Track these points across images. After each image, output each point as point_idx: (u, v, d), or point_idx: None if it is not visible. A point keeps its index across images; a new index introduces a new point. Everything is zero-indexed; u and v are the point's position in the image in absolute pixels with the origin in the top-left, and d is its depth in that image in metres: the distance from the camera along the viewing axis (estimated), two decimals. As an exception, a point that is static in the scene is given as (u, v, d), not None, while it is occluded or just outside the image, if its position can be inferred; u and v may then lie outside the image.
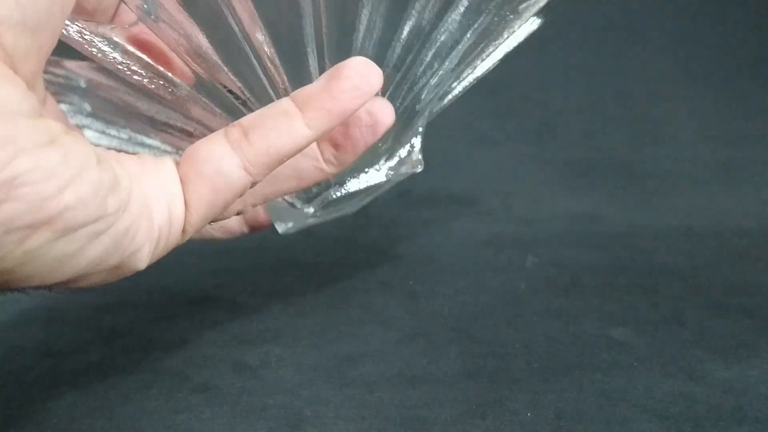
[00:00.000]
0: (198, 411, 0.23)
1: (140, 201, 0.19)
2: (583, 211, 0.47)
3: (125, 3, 0.19)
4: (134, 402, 0.24)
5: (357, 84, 0.21)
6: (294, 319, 0.31)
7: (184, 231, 0.20)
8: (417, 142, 0.27)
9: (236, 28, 0.21)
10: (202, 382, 0.25)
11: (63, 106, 0.24)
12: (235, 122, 0.21)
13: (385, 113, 0.23)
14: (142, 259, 0.19)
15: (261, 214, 0.28)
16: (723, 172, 0.54)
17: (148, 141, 0.26)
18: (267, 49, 0.21)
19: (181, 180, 0.20)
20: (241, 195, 0.21)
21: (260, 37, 0.21)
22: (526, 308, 0.31)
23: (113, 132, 0.26)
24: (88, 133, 0.26)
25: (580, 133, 0.58)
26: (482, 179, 0.53)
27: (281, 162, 0.21)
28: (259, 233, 0.28)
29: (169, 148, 0.26)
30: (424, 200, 0.50)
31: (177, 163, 0.21)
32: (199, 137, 0.24)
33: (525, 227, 0.44)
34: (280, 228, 0.27)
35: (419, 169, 0.27)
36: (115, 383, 0.25)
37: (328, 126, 0.21)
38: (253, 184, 0.21)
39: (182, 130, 0.25)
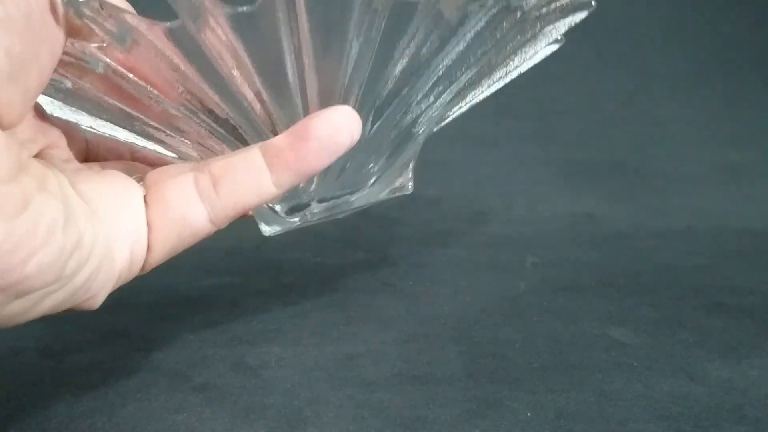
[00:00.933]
0: (198, 411, 0.23)
1: (103, 247, 0.19)
2: (583, 211, 0.47)
3: (94, 28, 0.18)
4: (134, 402, 0.24)
5: (324, 145, 0.20)
6: (294, 319, 0.31)
7: (142, 269, 0.21)
8: (410, 166, 0.27)
9: (216, 56, 0.20)
10: (202, 382, 0.25)
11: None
12: (204, 166, 0.21)
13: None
14: (98, 302, 0.19)
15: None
16: (723, 172, 0.54)
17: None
18: (254, 78, 0.21)
19: (147, 222, 0.20)
20: (201, 239, 0.21)
21: (247, 67, 0.20)
22: (526, 308, 0.31)
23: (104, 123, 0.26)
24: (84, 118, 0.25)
25: (580, 133, 0.58)
26: (482, 179, 0.53)
27: (244, 213, 0.21)
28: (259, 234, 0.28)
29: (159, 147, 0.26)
30: (424, 200, 0.50)
31: (144, 197, 0.21)
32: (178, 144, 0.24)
33: (525, 227, 0.44)
34: (265, 230, 0.26)
35: (408, 191, 0.27)
36: (115, 383, 0.25)
37: (295, 183, 0.21)
38: (215, 232, 0.21)
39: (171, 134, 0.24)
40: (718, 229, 0.43)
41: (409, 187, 0.27)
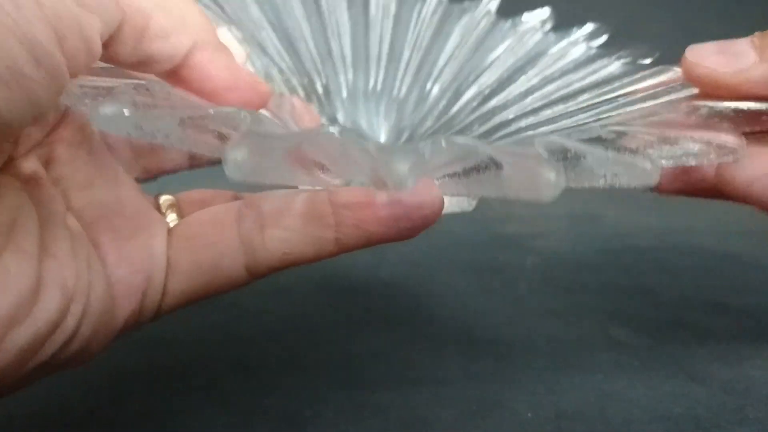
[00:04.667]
0: (198, 411, 0.23)
1: (100, 304, 0.16)
2: (583, 211, 0.47)
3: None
4: (134, 402, 0.23)
5: (407, 214, 0.17)
6: (294, 320, 0.31)
7: (155, 316, 0.18)
8: None
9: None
10: (202, 382, 0.25)
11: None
12: (254, 201, 0.18)
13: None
14: (92, 357, 0.17)
15: None
16: (723, 172, 0.54)
17: None
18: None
19: (168, 261, 0.18)
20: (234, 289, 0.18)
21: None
22: (526, 308, 0.31)
23: None
24: None
25: (580, 133, 0.58)
26: (482, 179, 0.53)
27: (292, 266, 0.18)
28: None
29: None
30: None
31: (171, 229, 0.18)
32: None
33: (525, 227, 0.44)
34: None
35: (469, 209, 0.25)
36: (115, 383, 0.25)
37: (360, 247, 0.18)
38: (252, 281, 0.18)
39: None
40: (718, 229, 0.43)
41: (472, 204, 0.26)
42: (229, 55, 0.18)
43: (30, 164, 0.18)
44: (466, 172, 0.17)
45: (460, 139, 0.16)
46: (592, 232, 0.43)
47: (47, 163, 0.18)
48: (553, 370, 0.25)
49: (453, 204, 0.25)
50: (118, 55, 0.16)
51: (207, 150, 0.16)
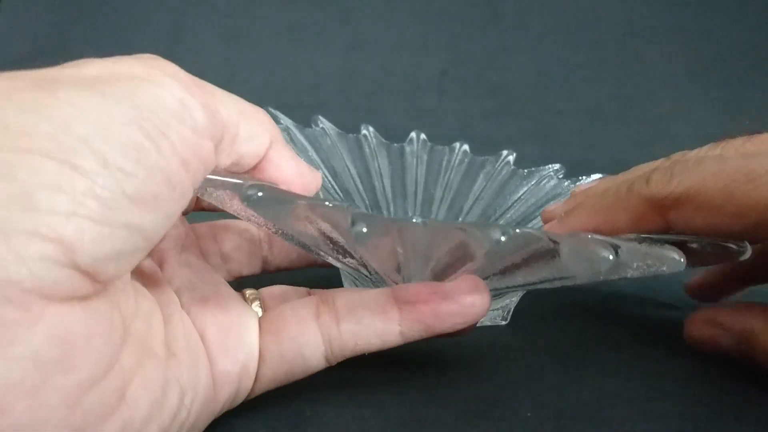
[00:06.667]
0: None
1: (204, 392, 0.19)
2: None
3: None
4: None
5: (462, 312, 0.20)
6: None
7: (245, 398, 0.21)
8: (511, 308, 0.29)
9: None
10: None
11: None
12: (329, 297, 0.21)
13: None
14: None
15: None
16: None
17: None
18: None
19: (260, 352, 0.20)
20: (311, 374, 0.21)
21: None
22: (526, 308, 0.31)
23: None
24: None
25: (580, 133, 0.58)
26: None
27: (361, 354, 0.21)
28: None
29: None
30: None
31: (259, 321, 0.21)
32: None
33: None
34: None
35: (501, 323, 0.29)
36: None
37: (421, 338, 0.21)
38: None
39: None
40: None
41: (504, 320, 0.29)
42: (291, 149, 0.21)
43: (148, 264, 0.22)
44: (526, 261, 0.20)
45: (525, 229, 0.18)
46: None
47: (160, 264, 0.22)
48: (553, 370, 0.25)
49: (488, 318, 0.28)
50: (220, 160, 0.19)
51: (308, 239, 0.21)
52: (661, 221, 0.22)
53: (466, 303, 0.20)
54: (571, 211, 0.25)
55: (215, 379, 0.19)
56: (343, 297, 0.21)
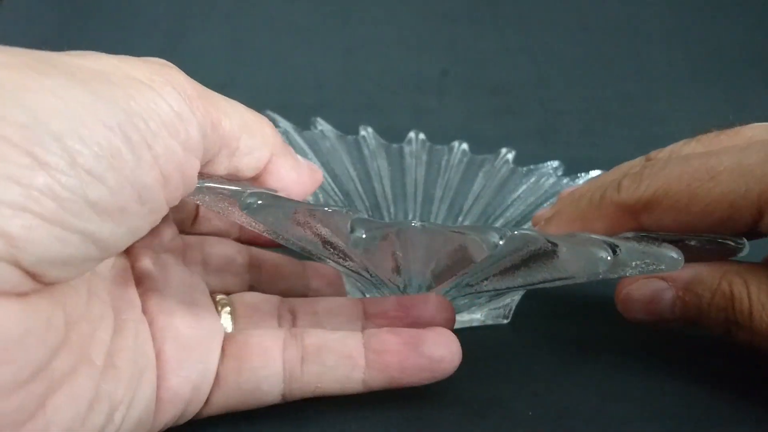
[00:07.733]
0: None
1: (144, 412, 0.18)
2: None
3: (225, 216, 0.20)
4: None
5: (431, 367, 0.20)
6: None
7: (191, 420, 0.20)
8: (512, 306, 0.29)
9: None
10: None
11: None
12: (300, 333, 0.20)
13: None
14: None
15: None
16: (723, 172, 0.54)
17: None
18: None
19: (217, 376, 0.19)
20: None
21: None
22: (526, 308, 0.31)
23: None
24: None
25: (580, 133, 0.58)
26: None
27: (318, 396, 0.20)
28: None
29: None
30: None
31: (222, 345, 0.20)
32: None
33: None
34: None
35: (503, 321, 0.29)
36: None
37: (381, 388, 0.20)
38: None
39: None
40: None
41: (505, 319, 0.29)
42: (293, 156, 0.21)
43: (117, 260, 0.20)
44: (525, 261, 0.20)
45: (523, 231, 0.19)
46: (592, 232, 0.43)
47: (133, 262, 0.21)
48: (553, 370, 0.25)
49: (489, 317, 0.28)
50: (214, 171, 0.18)
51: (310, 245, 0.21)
52: (635, 224, 0.22)
53: (435, 358, 0.20)
54: (550, 218, 0.25)
55: (160, 397, 0.18)
56: (313, 335, 0.20)
